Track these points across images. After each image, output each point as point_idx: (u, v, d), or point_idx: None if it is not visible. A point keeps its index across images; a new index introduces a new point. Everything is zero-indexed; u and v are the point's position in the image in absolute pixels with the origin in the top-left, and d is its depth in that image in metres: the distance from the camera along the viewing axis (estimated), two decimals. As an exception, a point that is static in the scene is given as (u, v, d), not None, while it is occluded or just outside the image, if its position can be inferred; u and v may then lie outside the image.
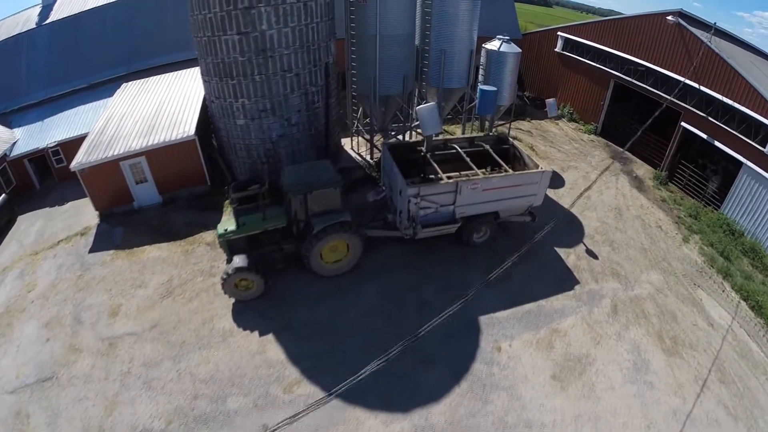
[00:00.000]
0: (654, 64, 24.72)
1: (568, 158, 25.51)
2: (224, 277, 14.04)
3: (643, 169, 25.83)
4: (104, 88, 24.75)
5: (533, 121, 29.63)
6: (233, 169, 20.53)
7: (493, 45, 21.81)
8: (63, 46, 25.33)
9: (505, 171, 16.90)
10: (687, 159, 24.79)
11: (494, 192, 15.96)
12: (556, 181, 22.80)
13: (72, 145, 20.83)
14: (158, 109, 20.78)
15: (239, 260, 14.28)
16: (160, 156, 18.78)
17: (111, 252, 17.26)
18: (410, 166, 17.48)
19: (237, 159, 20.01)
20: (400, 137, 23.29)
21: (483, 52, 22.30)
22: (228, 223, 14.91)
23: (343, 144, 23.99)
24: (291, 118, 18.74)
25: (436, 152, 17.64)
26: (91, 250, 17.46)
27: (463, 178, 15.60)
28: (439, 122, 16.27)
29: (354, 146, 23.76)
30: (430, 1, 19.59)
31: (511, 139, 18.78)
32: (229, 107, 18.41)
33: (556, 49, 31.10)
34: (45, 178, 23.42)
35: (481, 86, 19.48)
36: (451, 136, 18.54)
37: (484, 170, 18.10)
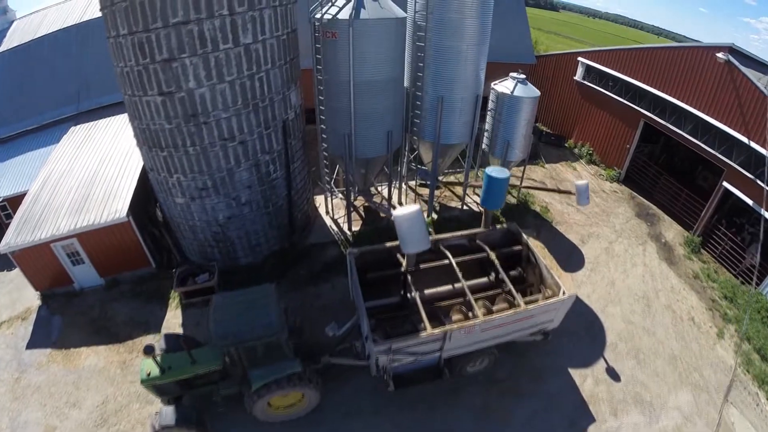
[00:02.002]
0: (695, 107, 18.26)
1: (589, 221, 19.43)
2: (153, 428, 9.53)
3: (672, 231, 19.67)
4: (55, 128, 19.58)
5: (547, 165, 23.40)
6: (181, 248, 15.34)
7: (506, 86, 15.92)
8: (12, 80, 20.24)
9: (512, 293, 11.18)
10: (722, 217, 18.72)
11: (497, 330, 10.44)
12: (574, 260, 17.02)
13: (20, 200, 15.61)
14: (97, 170, 15.53)
15: (166, 415, 9.56)
16: (93, 238, 13.76)
17: (48, 351, 13.19)
18: (386, 282, 11.87)
19: (183, 238, 14.78)
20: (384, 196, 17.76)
21: (492, 95, 16.52)
22: (150, 365, 9.90)
23: (318, 204, 18.27)
24: (240, 196, 13.20)
25: (422, 265, 11.80)
26: (29, 346, 13.45)
27: (455, 325, 9.98)
28: (425, 236, 10.38)
29: (330, 209, 17.86)
30: (424, 33, 13.51)
31: (525, 236, 12.73)
32: (164, 182, 13.01)
33: (575, 77, 24.67)
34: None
35: (488, 171, 12.65)
36: (444, 236, 12.61)
37: (487, 278, 12.58)
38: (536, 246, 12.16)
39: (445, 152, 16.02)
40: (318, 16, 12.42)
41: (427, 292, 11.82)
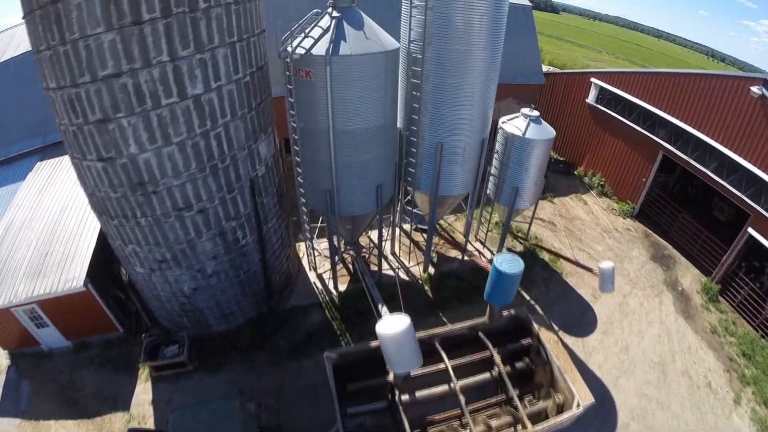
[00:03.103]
0: (722, 143, 15.39)
1: None
2: None
3: (689, 276, 16.96)
4: (23, 161, 17.05)
5: (556, 199, 20.46)
6: (150, 312, 12.83)
7: (516, 126, 13.00)
8: (-22, 107, 17.83)
9: (517, 408, 8.78)
10: (741, 259, 16.09)
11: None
12: (586, 321, 14.33)
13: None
14: (58, 220, 12.98)
15: None
16: (53, 305, 11.45)
17: (17, 422, 11.30)
18: (368, 390, 9.32)
19: (150, 304, 12.33)
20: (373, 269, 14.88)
21: (500, 136, 13.65)
22: None
23: (301, 254, 15.49)
24: (205, 268, 10.69)
25: (413, 372, 9.01)
26: (-1, 414, 11.35)
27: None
28: (415, 355, 7.70)
29: (314, 263, 14.86)
30: (420, 68, 10.63)
31: (535, 325, 10.03)
32: (121, 250, 10.57)
33: (587, 100, 21.60)
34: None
35: (497, 262, 9.48)
36: (440, 330, 9.98)
37: (489, 373, 9.81)
38: (549, 340, 9.52)
39: (444, 202, 13.19)
40: (289, 49, 9.50)
41: (419, 394, 9.26)
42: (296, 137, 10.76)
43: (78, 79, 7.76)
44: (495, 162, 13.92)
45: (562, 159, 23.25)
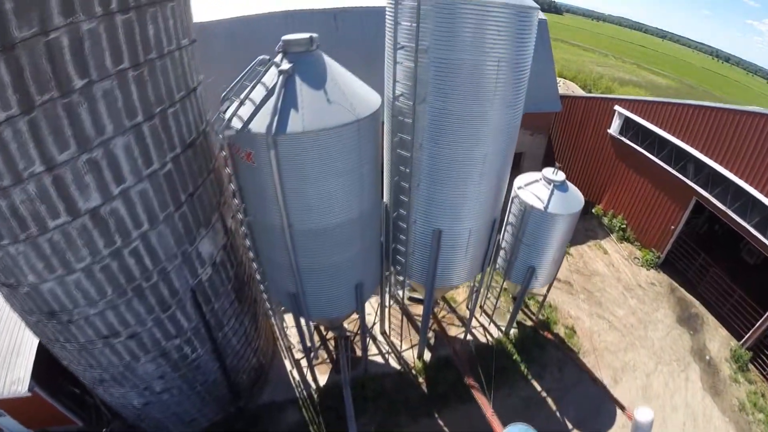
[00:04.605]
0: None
1: (624, 340, 13.08)
2: None
3: (718, 340, 13.72)
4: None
5: (572, 249, 16.65)
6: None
7: (536, 195, 9.24)
8: None
9: None
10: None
11: None
12: (605, 414, 10.98)
13: None
14: (3, 306, 10.00)
15: None
16: (2, 403, 8.88)
17: None
18: None
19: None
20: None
21: (515, 206, 9.98)
22: None
23: (276, 335, 11.98)
24: (152, 386, 7.85)
25: None
26: None
27: None
28: None
29: (291, 350, 11.44)
30: (410, 136, 6.98)
31: None
32: (59, 362, 7.74)
33: (610, 131, 17.70)
34: None
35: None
36: None
37: None
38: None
39: (443, 290, 10.04)
40: (223, 119, 6.20)
41: None
42: (247, 231, 7.40)
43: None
44: (507, 234, 10.48)
45: None
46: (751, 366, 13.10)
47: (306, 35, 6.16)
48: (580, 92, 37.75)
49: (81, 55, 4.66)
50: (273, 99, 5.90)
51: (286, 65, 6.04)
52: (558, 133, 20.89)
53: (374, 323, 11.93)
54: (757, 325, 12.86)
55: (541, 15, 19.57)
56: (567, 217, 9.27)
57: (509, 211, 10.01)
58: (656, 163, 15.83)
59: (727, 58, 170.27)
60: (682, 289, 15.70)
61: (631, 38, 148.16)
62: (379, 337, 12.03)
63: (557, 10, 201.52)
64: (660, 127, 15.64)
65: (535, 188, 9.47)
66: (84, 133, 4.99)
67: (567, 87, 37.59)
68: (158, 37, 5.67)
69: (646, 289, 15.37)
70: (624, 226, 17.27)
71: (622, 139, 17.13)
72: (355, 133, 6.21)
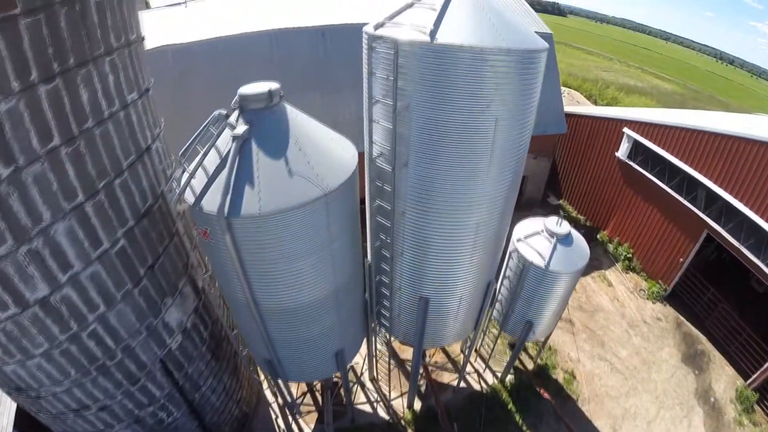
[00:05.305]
0: None
1: (626, 384, 11.89)
2: None
3: (724, 380, 12.54)
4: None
5: None
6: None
7: (537, 250, 7.98)
8: None
9: None
10: None
11: None
12: None
13: None
14: None
15: None
16: None
17: None
18: None
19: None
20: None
21: (513, 261, 8.68)
22: None
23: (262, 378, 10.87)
24: None
25: None
26: None
27: None
28: None
29: (275, 397, 10.16)
30: (390, 206, 5.80)
31: None
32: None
33: (617, 153, 16.27)
34: None
35: None
36: None
37: None
38: None
39: (433, 347, 8.90)
40: (175, 187, 5.19)
41: None
42: (220, 300, 6.40)
43: None
44: (503, 288, 9.30)
45: (583, 223, 17.97)
46: (756, 407, 11.91)
47: (265, 88, 4.97)
48: (586, 102, 35.96)
49: (2, 140, 3.73)
50: (225, 172, 4.78)
51: (241, 127, 4.89)
52: (562, 153, 19.49)
53: (362, 372, 10.86)
54: (766, 366, 11.65)
55: (546, 28, 18.13)
56: (570, 275, 8.08)
57: (506, 265, 8.83)
58: (666, 191, 14.46)
59: (731, 61, 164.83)
60: (689, 324, 14.42)
61: (635, 40, 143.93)
62: (368, 384, 10.96)
63: (560, 11, 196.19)
64: (671, 153, 14.22)
65: (536, 241, 8.25)
66: (19, 224, 4.15)
67: (572, 97, 35.81)
68: (94, 101, 4.59)
69: (651, 324, 14.11)
70: (630, 255, 15.93)
71: (631, 163, 15.72)
72: (322, 209, 5.06)
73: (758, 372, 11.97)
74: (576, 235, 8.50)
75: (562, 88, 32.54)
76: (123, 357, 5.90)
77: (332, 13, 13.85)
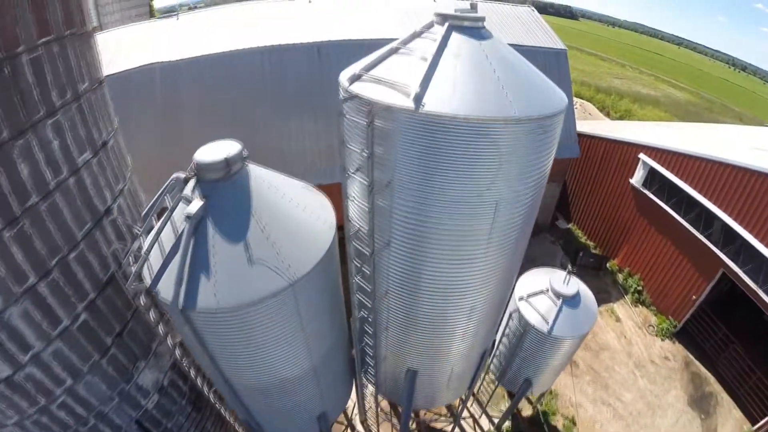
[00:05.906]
0: None
1: (628, 429, 10.95)
2: None
3: (730, 424, 11.61)
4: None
5: None
6: None
7: (540, 312, 6.99)
8: None
9: None
10: None
11: None
12: None
13: None
14: None
15: None
16: None
17: None
18: None
19: None
20: None
21: (513, 322, 7.67)
22: None
23: None
24: None
25: None
26: None
27: None
28: None
29: None
30: (371, 287, 4.91)
31: None
32: None
33: (632, 180, 15.06)
34: None
35: None
36: None
37: None
38: None
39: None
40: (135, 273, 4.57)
41: None
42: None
43: None
44: (501, 345, 8.36)
45: (592, 251, 16.72)
46: (763, 456, 10.97)
47: (221, 155, 4.11)
48: (599, 115, 34.28)
49: None
50: (179, 257, 3.97)
51: (196, 203, 4.06)
52: (574, 174, 18.27)
53: (352, 415, 10.10)
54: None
55: (560, 43, 16.79)
56: (575, 340, 7.14)
57: (506, 324, 7.90)
58: (682, 224, 13.30)
59: (744, 67, 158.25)
60: (698, 363, 13.31)
61: (647, 45, 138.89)
62: (359, 427, 10.22)
63: (572, 15, 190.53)
64: (689, 184, 13.02)
65: (539, 301, 7.29)
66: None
67: (584, 109, 34.17)
68: (36, 174, 3.83)
69: (658, 365, 13.04)
70: (640, 287, 14.78)
71: (646, 192, 14.52)
72: (290, 298, 4.21)
73: (767, 418, 10.96)
74: (584, 292, 7.51)
75: (575, 99, 31.02)
76: (96, 422, 5.32)
77: (329, 28, 12.88)
